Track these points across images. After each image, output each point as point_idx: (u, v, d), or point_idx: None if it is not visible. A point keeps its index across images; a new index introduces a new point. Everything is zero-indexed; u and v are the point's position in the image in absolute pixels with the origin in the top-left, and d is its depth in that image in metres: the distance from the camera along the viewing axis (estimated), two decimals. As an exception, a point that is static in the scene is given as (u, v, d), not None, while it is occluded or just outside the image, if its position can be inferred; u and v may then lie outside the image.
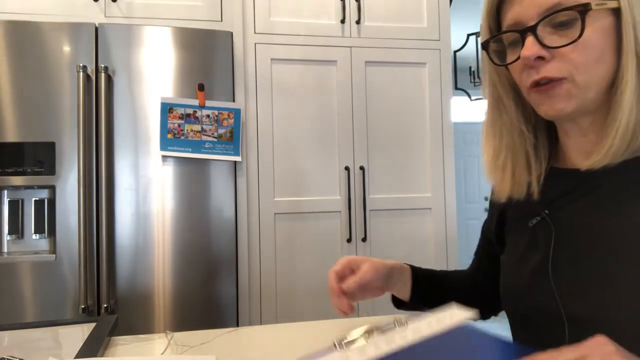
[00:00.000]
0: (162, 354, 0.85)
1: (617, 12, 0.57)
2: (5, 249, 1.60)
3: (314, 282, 1.86)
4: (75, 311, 1.56)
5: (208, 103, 1.71)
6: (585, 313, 0.59)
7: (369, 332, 0.56)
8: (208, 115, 1.71)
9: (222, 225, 1.72)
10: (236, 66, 1.82)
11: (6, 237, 1.60)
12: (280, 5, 1.89)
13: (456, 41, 3.71)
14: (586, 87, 0.58)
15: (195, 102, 1.70)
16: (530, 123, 0.69)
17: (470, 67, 4.29)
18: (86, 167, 1.57)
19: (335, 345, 0.54)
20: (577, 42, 0.56)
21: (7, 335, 0.91)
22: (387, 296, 0.84)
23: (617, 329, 0.51)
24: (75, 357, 0.76)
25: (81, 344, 0.82)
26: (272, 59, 1.87)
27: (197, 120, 1.70)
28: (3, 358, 0.74)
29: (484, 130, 0.71)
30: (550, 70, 0.58)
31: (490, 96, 0.70)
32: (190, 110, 1.70)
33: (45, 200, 1.61)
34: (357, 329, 0.56)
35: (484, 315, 0.82)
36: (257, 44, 1.86)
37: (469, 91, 4.25)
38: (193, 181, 1.70)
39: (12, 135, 1.56)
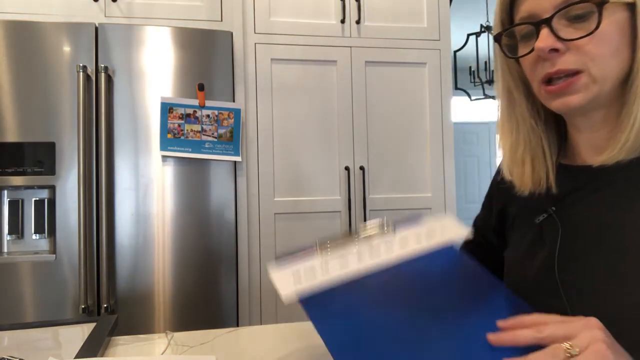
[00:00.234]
0: (162, 354, 0.85)
1: (632, 8, 0.57)
2: (5, 249, 1.60)
3: (314, 282, 1.86)
4: (75, 311, 1.56)
5: (208, 103, 1.71)
6: (590, 310, 0.58)
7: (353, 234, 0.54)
8: (208, 115, 1.71)
9: (222, 225, 1.72)
10: (236, 66, 1.82)
11: (6, 237, 1.60)
12: (280, 5, 1.89)
13: (456, 41, 3.70)
14: (603, 80, 0.58)
15: (195, 102, 1.70)
16: (540, 118, 0.69)
17: (470, 67, 4.28)
18: (86, 167, 1.57)
19: (316, 247, 0.51)
20: (593, 34, 0.56)
21: (7, 335, 0.91)
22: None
23: (623, 327, 0.51)
24: (75, 357, 0.76)
25: (81, 344, 0.82)
26: (272, 59, 1.87)
27: (197, 120, 1.70)
28: (3, 358, 0.74)
29: (500, 126, 0.71)
30: (565, 62, 0.58)
31: (503, 90, 0.70)
32: (190, 110, 1.70)
33: (45, 200, 1.61)
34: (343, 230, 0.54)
35: None
36: (257, 44, 1.86)
37: (469, 91, 4.25)
38: (193, 181, 1.70)
39: (12, 135, 1.56)
